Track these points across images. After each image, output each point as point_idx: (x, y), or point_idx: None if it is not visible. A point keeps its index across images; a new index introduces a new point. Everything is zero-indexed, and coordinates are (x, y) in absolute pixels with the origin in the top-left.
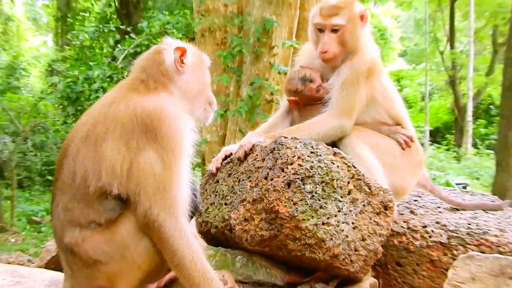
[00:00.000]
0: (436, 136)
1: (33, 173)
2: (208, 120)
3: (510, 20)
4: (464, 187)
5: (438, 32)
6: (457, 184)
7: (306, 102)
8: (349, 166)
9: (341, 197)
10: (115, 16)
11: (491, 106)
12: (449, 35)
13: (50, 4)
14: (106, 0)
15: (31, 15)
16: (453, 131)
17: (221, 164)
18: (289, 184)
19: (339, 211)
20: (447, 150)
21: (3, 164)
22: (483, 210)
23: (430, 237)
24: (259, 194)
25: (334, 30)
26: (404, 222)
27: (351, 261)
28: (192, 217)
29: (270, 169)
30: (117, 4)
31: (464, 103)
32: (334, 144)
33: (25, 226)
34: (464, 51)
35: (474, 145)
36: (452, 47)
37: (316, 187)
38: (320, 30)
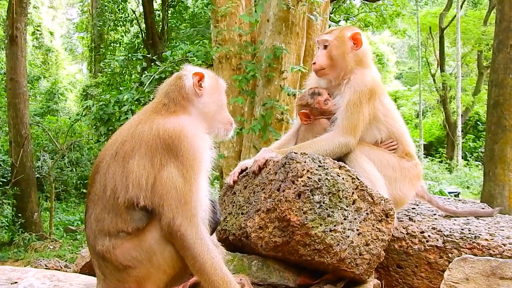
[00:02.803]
0: (430, 149)
1: (69, 186)
2: (228, 136)
3: (493, 45)
4: (457, 195)
5: (429, 57)
6: (449, 192)
7: (315, 116)
8: (353, 178)
9: (347, 206)
10: (142, 46)
11: (478, 122)
12: (439, 59)
13: (85, 36)
14: (134, 32)
15: (68, 46)
16: (445, 145)
17: (238, 177)
18: (299, 195)
19: (344, 219)
20: (440, 162)
21: (43, 179)
22: (475, 216)
23: (427, 241)
24: (272, 204)
25: (325, 46)
26: (404, 228)
27: (356, 264)
28: (214, 230)
29: (282, 181)
30: (144, 35)
31: (454, 120)
32: (339, 158)
33: (62, 235)
34: (453, 73)
35: (464, 157)
36: (442, 70)
37: (324, 198)
38: (318, 48)
